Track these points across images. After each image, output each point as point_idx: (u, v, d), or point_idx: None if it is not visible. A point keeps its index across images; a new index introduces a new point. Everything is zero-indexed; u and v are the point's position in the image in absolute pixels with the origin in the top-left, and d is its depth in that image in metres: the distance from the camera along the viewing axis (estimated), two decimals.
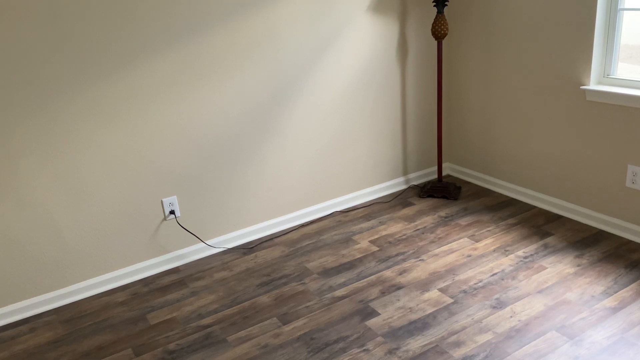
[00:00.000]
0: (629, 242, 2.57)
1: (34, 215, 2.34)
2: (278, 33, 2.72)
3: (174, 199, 2.65)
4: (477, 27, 3.09)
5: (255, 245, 2.88)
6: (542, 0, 2.68)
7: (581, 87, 2.59)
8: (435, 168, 3.54)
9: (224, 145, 2.73)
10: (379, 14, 3.01)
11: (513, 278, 2.39)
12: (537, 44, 2.77)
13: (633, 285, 2.25)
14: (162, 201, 2.63)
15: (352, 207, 3.25)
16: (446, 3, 2.90)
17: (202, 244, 2.80)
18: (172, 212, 2.66)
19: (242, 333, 2.18)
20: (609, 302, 2.17)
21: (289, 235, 2.96)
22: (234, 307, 2.36)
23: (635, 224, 2.57)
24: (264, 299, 2.41)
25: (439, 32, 2.93)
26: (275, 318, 2.26)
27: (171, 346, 2.14)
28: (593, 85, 2.59)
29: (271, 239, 2.94)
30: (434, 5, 2.92)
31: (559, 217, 2.88)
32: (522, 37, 2.84)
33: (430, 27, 3.20)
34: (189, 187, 2.68)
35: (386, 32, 3.06)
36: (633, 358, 1.86)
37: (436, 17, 2.92)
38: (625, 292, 2.21)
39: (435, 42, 3.26)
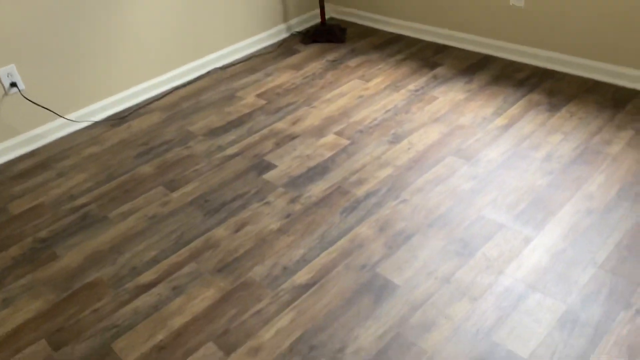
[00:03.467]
0: (514, 62, 2.56)
1: None
2: None
3: (12, 68, 2.17)
4: None
5: (127, 115, 2.53)
6: None
7: None
8: (318, 11, 3.26)
9: None
10: None
11: (407, 112, 2.31)
12: None
13: (521, 102, 2.26)
14: None
15: (232, 62, 2.93)
16: None
17: (61, 120, 2.39)
18: (13, 84, 2.19)
19: (124, 207, 1.94)
20: (500, 121, 2.17)
21: (164, 100, 2.62)
22: (111, 183, 2.07)
23: (519, 43, 2.55)
24: (145, 169, 2.14)
25: None
26: (161, 187, 2.03)
27: (42, 234, 1.85)
28: None
29: (144, 105, 2.59)
30: None
31: (446, 48, 2.80)
32: None
33: None
34: (29, 54, 2.20)
35: None
36: (526, 168, 1.89)
37: None
38: (514, 110, 2.22)
39: None
